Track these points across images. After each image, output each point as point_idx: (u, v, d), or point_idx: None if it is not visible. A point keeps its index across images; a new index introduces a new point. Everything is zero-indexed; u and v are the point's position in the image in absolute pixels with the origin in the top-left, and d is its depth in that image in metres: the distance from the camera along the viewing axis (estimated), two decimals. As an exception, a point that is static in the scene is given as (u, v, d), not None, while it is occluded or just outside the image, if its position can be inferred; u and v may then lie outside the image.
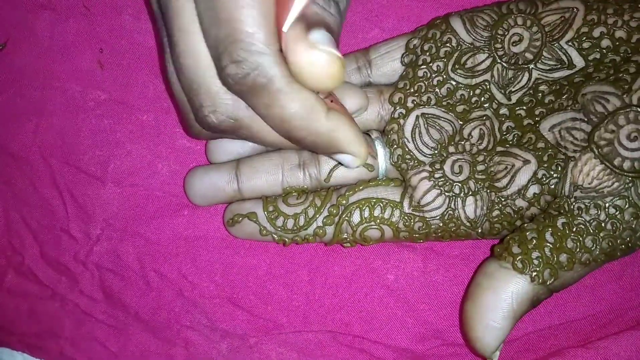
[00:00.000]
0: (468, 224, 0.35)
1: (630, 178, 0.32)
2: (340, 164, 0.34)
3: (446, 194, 0.35)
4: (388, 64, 0.38)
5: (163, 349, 0.41)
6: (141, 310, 0.41)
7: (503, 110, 0.36)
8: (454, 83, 0.36)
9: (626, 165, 0.32)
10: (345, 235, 0.36)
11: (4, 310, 0.42)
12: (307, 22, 0.28)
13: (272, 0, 0.28)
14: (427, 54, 0.37)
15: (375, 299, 0.40)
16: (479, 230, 0.35)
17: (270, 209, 0.37)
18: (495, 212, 0.34)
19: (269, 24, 0.28)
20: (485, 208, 0.35)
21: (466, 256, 0.40)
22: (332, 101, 0.31)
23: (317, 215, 0.36)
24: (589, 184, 0.32)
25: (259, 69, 0.28)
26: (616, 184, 0.32)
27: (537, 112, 0.35)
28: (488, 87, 0.36)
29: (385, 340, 0.40)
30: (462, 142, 0.36)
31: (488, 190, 0.35)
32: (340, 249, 0.40)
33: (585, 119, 0.33)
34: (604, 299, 0.39)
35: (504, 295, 0.32)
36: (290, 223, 0.36)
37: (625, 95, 0.32)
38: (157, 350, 0.41)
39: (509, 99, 0.36)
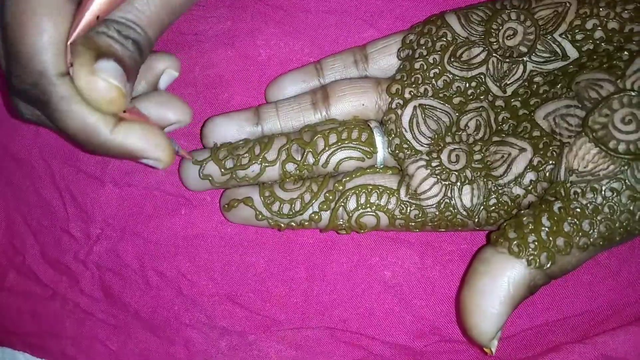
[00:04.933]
0: (464, 212, 0.35)
1: (625, 160, 0.32)
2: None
3: (443, 182, 0.35)
4: (384, 58, 0.38)
5: (163, 347, 0.41)
6: (141, 309, 0.41)
7: (499, 102, 0.36)
8: (450, 75, 0.36)
9: (621, 147, 0.32)
10: (340, 222, 0.36)
11: (6, 310, 0.42)
12: (97, 52, 0.30)
13: (62, 29, 0.29)
14: (424, 47, 0.37)
15: (373, 296, 0.40)
16: (476, 220, 0.35)
17: (267, 194, 0.37)
18: (492, 201, 0.35)
19: (54, 48, 0.29)
20: (481, 197, 0.35)
21: (463, 252, 0.40)
22: (126, 112, 0.32)
23: (314, 201, 0.36)
24: (585, 167, 0.33)
25: (38, 87, 0.30)
26: (612, 167, 0.32)
27: (532, 103, 0.35)
28: (483, 80, 0.36)
29: (383, 337, 0.40)
30: (459, 133, 0.36)
31: (485, 179, 0.35)
32: (337, 246, 0.40)
33: (580, 105, 0.33)
34: (602, 295, 0.39)
35: (500, 280, 0.32)
36: (286, 208, 0.36)
37: (618, 81, 0.33)
38: (157, 349, 0.41)
39: (504, 92, 0.36)
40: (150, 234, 0.41)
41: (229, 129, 0.38)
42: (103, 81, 0.29)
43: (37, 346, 0.42)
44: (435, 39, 0.37)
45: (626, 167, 0.32)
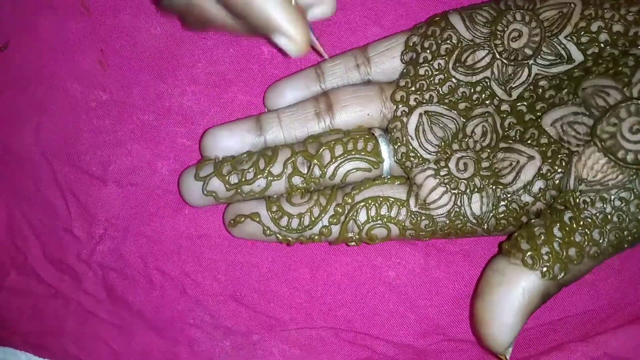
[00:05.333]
0: (474, 220, 0.35)
1: (634, 170, 0.32)
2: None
3: (452, 191, 0.35)
4: (387, 62, 0.38)
5: (167, 347, 0.41)
6: (144, 309, 0.41)
7: (504, 107, 0.36)
8: (455, 81, 0.36)
9: (629, 157, 0.32)
10: (351, 235, 0.36)
11: (7, 310, 0.42)
12: None
13: None
14: (428, 51, 0.37)
15: (377, 296, 0.40)
16: (485, 227, 0.35)
17: (274, 208, 0.36)
18: (502, 208, 0.35)
19: None
20: (491, 204, 0.35)
21: (467, 252, 0.40)
22: None
23: (323, 215, 0.36)
24: (594, 177, 0.33)
25: None
26: (620, 177, 0.32)
27: (538, 107, 0.35)
28: (488, 84, 0.36)
29: (387, 336, 0.40)
30: (466, 140, 0.36)
31: (493, 187, 0.35)
32: (341, 247, 0.40)
33: (587, 113, 0.33)
34: (604, 294, 0.39)
35: (515, 291, 0.32)
36: (294, 223, 0.36)
37: (625, 89, 0.32)
38: (160, 348, 0.41)
39: (510, 95, 0.36)
40: (153, 234, 0.41)
41: (230, 142, 0.37)
42: None
43: (39, 345, 0.42)
44: (439, 41, 0.37)
45: (635, 177, 0.32)
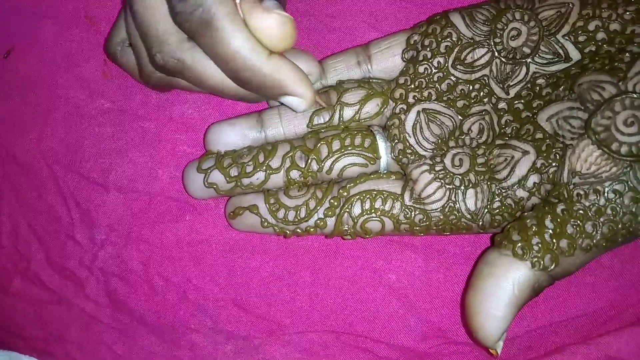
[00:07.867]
0: (469, 216, 0.35)
1: (628, 162, 0.32)
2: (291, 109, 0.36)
3: (447, 186, 0.35)
4: (388, 60, 0.38)
5: (168, 352, 0.41)
6: (146, 314, 0.41)
7: (502, 105, 0.36)
8: (454, 79, 0.37)
9: (623, 149, 0.32)
10: (345, 227, 0.36)
11: (11, 315, 0.42)
12: None
13: None
14: (428, 49, 0.37)
15: (378, 299, 0.40)
16: (480, 223, 0.35)
17: (272, 201, 0.37)
18: (496, 204, 0.35)
19: None
20: (485, 200, 0.35)
21: (467, 255, 0.40)
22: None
23: (319, 207, 0.36)
24: (587, 169, 0.33)
25: (204, 6, 0.31)
26: (614, 169, 0.32)
27: (534, 105, 0.35)
28: (487, 82, 0.36)
29: (388, 340, 0.40)
30: (462, 137, 0.36)
31: (488, 182, 0.35)
32: (342, 250, 0.40)
33: (582, 108, 0.33)
34: (605, 296, 0.39)
35: (504, 282, 0.32)
36: (291, 215, 0.36)
37: (620, 83, 0.33)
38: (162, 353, 0.41)
39: (508, 93, 0.36)
40: (155, 240, 0.41)
41: (232, 136, 0.38)
42: (278, 15, 0.31)
43: (42, 350, 0.42)
44: (440, 39, 0.37)
45: (628, 169, 0.32)
